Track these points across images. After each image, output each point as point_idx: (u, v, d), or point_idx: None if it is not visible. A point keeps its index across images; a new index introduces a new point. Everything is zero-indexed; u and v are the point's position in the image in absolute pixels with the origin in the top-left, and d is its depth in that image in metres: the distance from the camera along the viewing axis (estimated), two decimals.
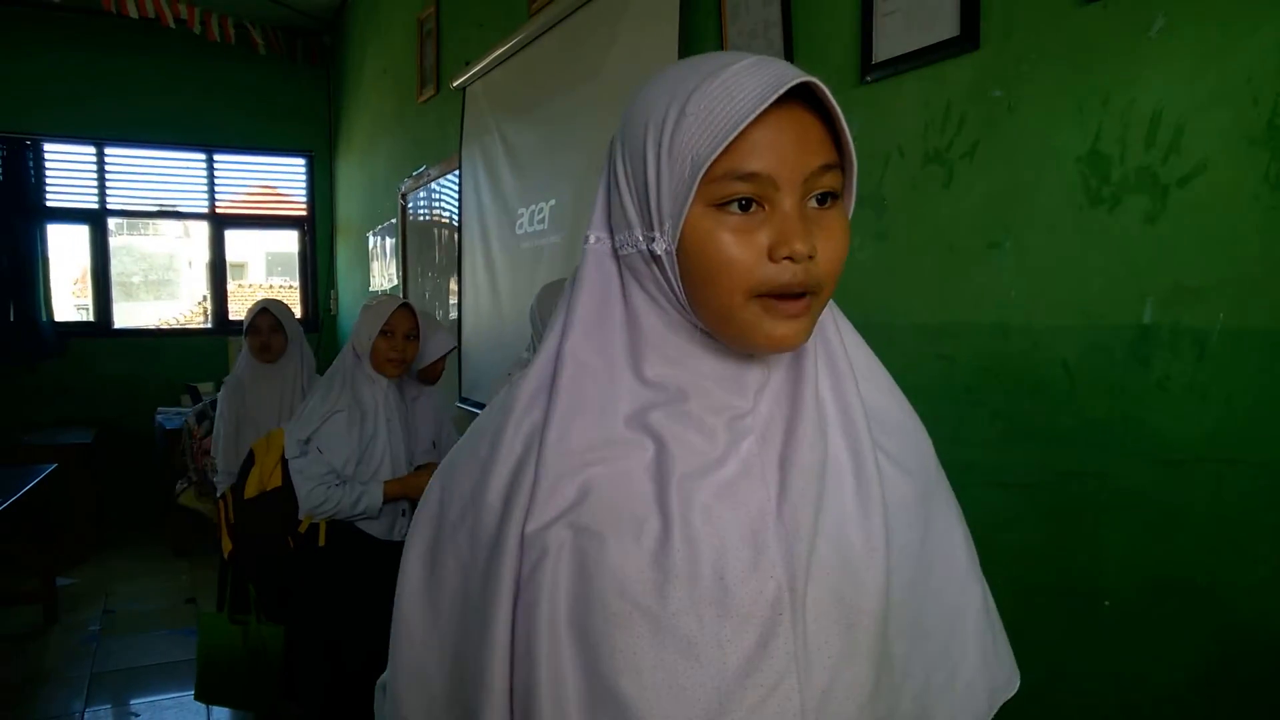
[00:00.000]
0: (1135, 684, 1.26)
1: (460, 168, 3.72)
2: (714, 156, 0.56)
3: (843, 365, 0.66)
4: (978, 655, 0.72)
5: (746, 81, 0.57)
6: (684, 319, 0.63)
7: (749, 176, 0.57)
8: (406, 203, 4.66)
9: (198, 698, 2.62)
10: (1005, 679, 0.75)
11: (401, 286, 4.74)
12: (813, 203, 0.60)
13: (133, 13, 4.82)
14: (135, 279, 6.28)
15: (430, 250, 4.35)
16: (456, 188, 3.81)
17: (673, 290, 0.62)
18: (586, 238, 0.66)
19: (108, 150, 5.88)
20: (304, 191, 6.52)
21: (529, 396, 0.65)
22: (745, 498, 0.61)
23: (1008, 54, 1.41)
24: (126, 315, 6.15)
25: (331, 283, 6.53)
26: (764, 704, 0.58)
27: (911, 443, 0.72)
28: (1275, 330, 1.09)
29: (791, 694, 0.59)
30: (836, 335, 0.68)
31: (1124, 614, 1.27)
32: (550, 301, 1.84)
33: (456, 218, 3.83)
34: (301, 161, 6.48)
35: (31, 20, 5.51)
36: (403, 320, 2.29)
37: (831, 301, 0.67)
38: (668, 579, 0.59)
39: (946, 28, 1.49)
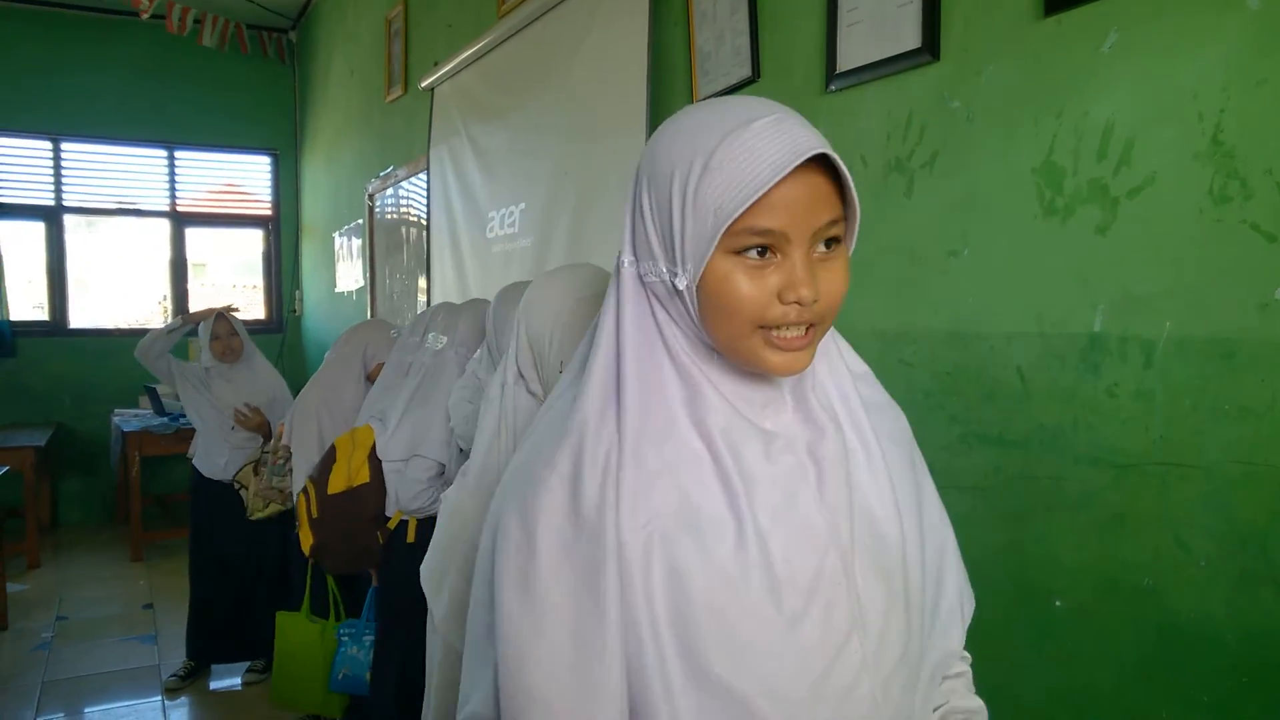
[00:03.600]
0: (1084, 678, 1.29)
1: (428, 169, 3.71)
2: (735, 216, 0.64)
3: (840, 366, 0.78)
4: (954, 585, 0.84)
5: (767, 145, 0.64)
6: (701, 340, 0.72)
7: (765, 232, 0.66)
8: (374, 203, 4.63)
9: (271, 699, 2.66)
10: (970, 604, 0.87)
11: (368, 287, 4.70)
12: (820, 248, 0.68)
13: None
14: (93, 277, 6.14)
15: (398, 252, 4.32)
16: (425, 189, 3.79)
17: (691, 318, 0.70)
18: (620, 260, 0.74)
19: (64, 145, 5.76)
20: (269, 190, 6.44)
21: (598, 414, 0.70)
22: (796, 490, 0.71)
23: (967, 65, 1.45)
24: (83, 314, 6.01)
25: (296, 283, 6.45)
26: (837, 661, 0.68)
27: (896, 421, 0.83)
28: (1217, 339, 1.13)
29: (856, 649, 0.69)
30: (830, 339, 0.78)
31: (1074, 612, 1.31)
32: (507, 308, 1.84)
33: (424, 219, 3.81)
34: (266, 160, 6.40)
35: None
36: None
37: None
38: (746, 571, 0.67)
39: (908, 39, 1.52)
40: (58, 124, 5.67)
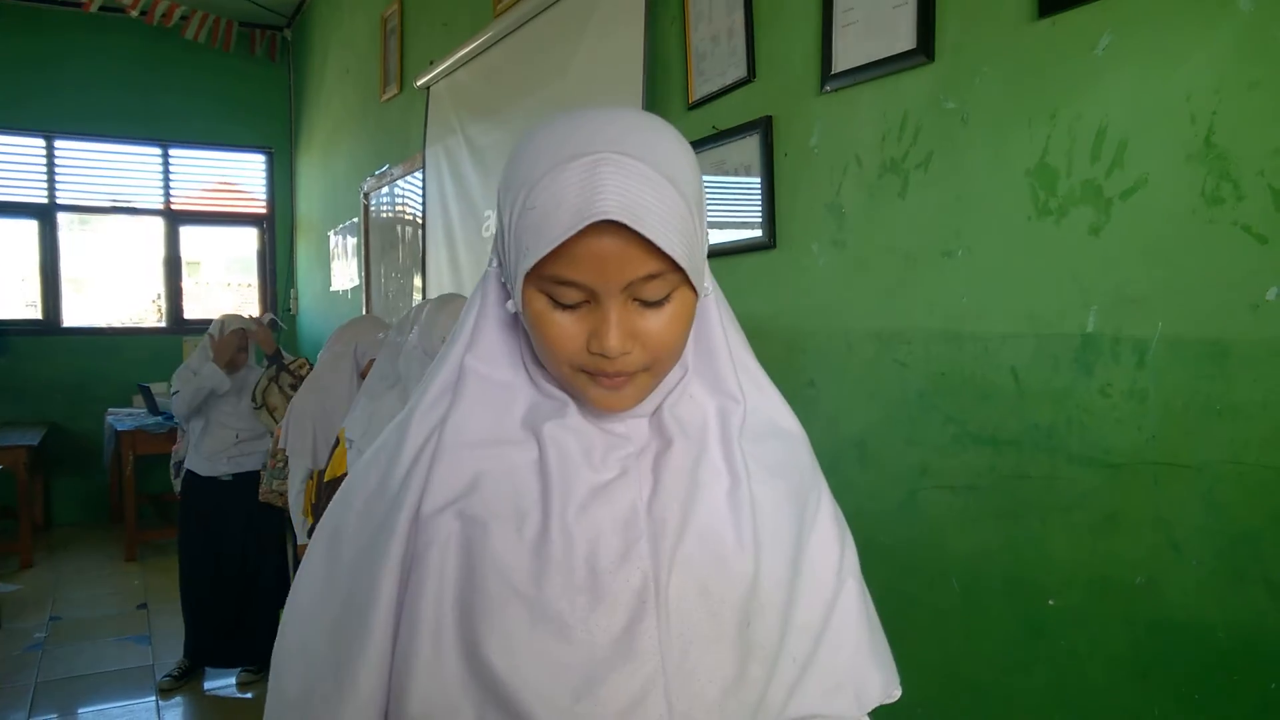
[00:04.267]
0: (1078, 677, 1.30)
1: (424, 168, 3.70)
2: (529, 266, 0.62)
3: (729, 381, 0.73)
4: (849, 656, 0.76)
5: (573, 194, 0.61)
6: None
7: (569, 283, 0.63)
8: (369, 202, 4.62)
9: None
10: (880, 684, 0.77)
11: (363, 286, 4.70)
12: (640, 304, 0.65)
13: None
14: (86, 276, 6.12)
15: (393, 250, 4.32)
16: (420, 188, 3.79)
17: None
18: (490, 260, 0.73)
19: (58, 143, 5.74)
20: (263, 188, 6.42)
21: (433, 398, 0.70)
22: (619, 496, 0.67)
23: (961, 67, 1.45)
24: (77, 313, 5.99)
25: (291, 281, 6.44)
26: (630, 681, 0.64)
27: (792, 449, 0.77)
28: (1209, 339, 1.14)
29: (656, 674, 0.64)
30: (724, 345, 0.73)
31: (1067, 611, 1.31)
32: (441, 316, 1.97)
33: (420, 218, 3.81)
34: (261, 158, 6.39)
35: None
36: None
37: (722, 303, 0.74)
38: (544, 567, 0.64)
39: (903, 40, 1.53)
40: (51, 121, 5.65)
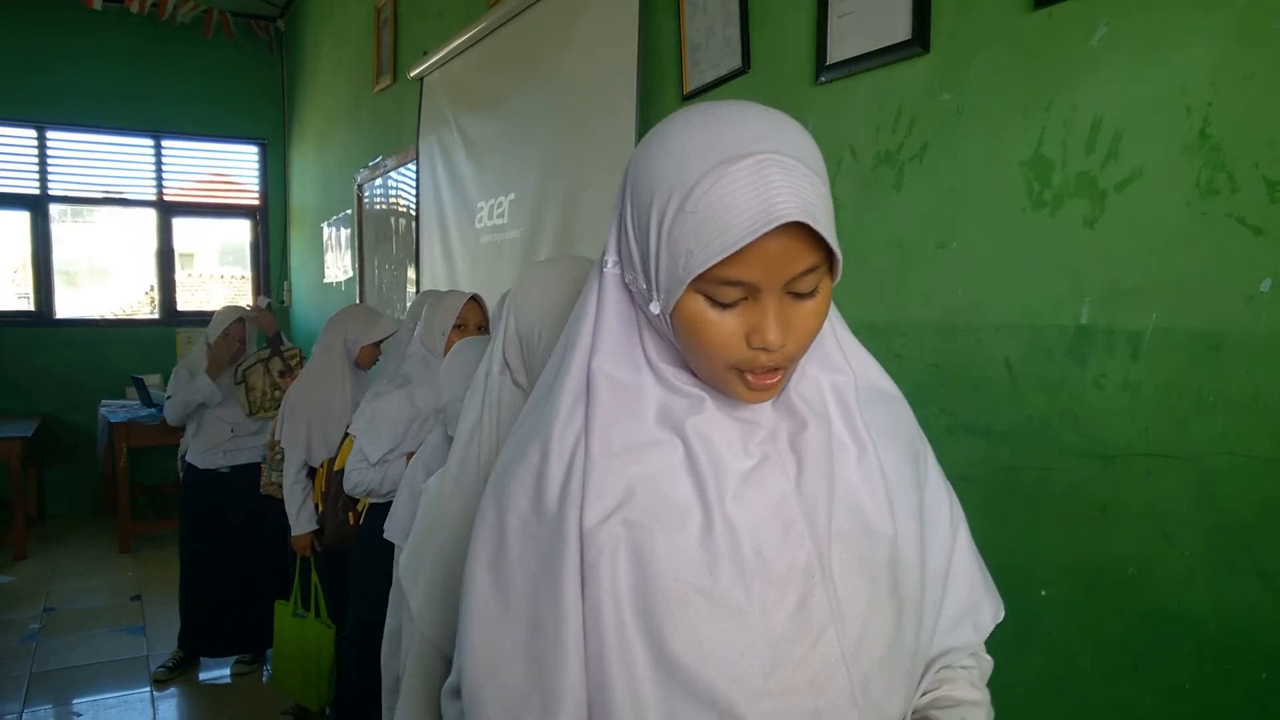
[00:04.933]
0: (1070, 667, 1.31)
1: (418, 159, 3.69)
2: (700, 270, 0.64)
3: (835, 355, 0.77)
4: (967, 591, 0.83)
5: (745, 199, 0.62)
6: (676, 350, 0.72)
7: (736, 282, 0.65)
8: (362, 193, 4.61)
9: (272, 683, 2.92)
10: (991, 611, 0.85)
11: (357, 278, 4.68)
12: (792, 297, 0.67)
13: None
14: (79, 267, 6.10)
15: (386, 242, 4.31)
16: (414, 179, 3.78)
17: (669, 336, 0.71)
18: (604, 260, 0.74)
19: (50, 134, 5.70)
20: (256, 180, 6.39)
21: (568, 409, 0.72)
22: (769, 482, 0.70)
23: (956, 58, 1.45)
24: (69, 305, 5.96)
25: (285, 273, 6.42)
26: (811, 654, 0.68)
27: (898, 411, 0.81)
28: (1203, 331, 1.14)
29: (832, 643, 0.69)
30: (829, 326, 0.76)
31: (1060, 602, 1.32)
32: (438, 314, 2.07)
33: (413, 209, 3.80)
34: (254, 149, 6.35)
35: None
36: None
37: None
38: (714, 559, 0.67)
39: (898, 31, 1.52)
40: (43, 112, 5.61)
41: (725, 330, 0.66)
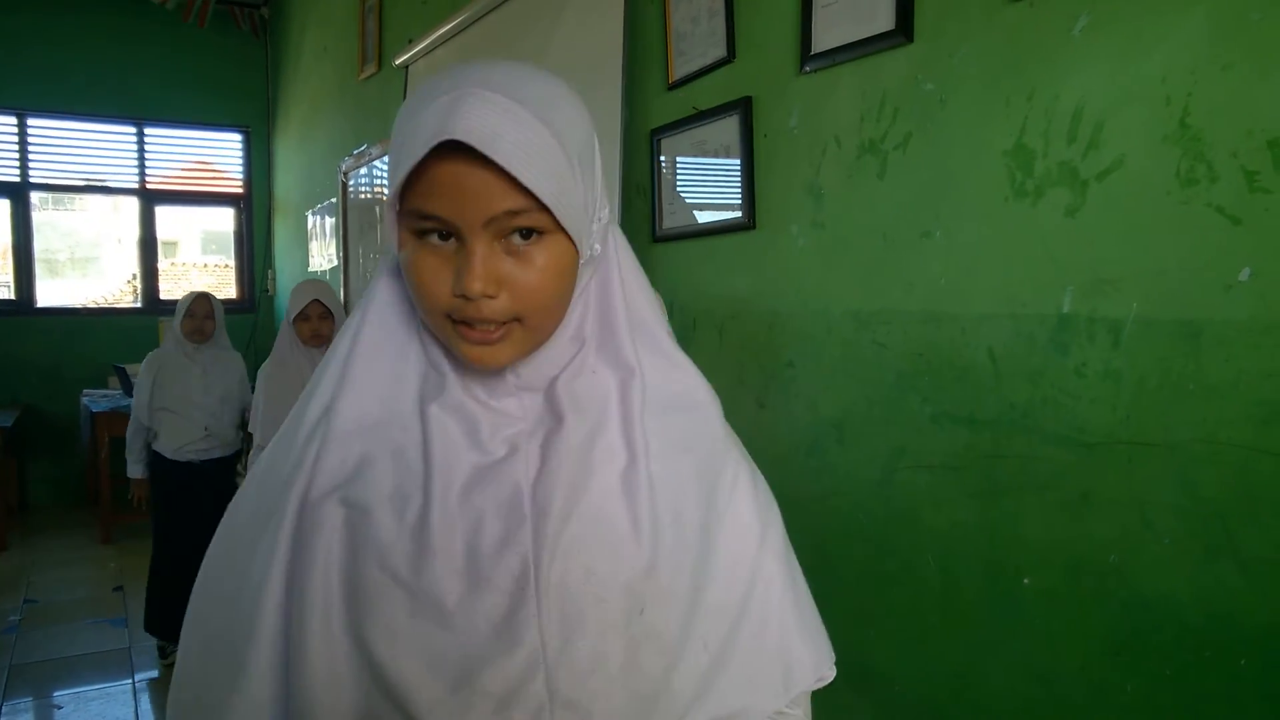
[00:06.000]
0: (1052, 655, 1.31)
1: None
2: (396, 198, 0.61)
3: (627, 354, 0.69)
4: (775, 639, 0.72)
5: (427, 125, 0.59)
6: None
7: (431, 217, 0.61)
8: (347, 181, 4.57)
9: None
10: (811, 665, 0.73)
11: (342, 267, 4.65)
12: (515, 238, 0.62)
13: None
14: (60, 256, 6.03)
15: (372, 231, 4.28)
16: None
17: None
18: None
19: (30, 121, 5.62)
20: (240, 168, 6.34)
21: (327, 382, 0.69)
22: (504, 478, 0.65)
23: (940, 48, 1.45)
24: (51, 293, 5.90)
25: (269, 262, 6.37)
26: (507, 669, 0.61)
27: (698, 422, 0.73)
28: (1183, 320, 1.14)
29: (536, 662, 0.62)
30: (622, 315, 0.70)
31: (1042, 590, 1.33)
32: None
33: None
34: (238, 137, 6.30)
35: None
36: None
37: (631, 272, 0.71)
38: (423, 553, 0.62)
39: (882, 20, 1.52)
40: (23, 98, 5.54)
41: (434, 273, 0.62)
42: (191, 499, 3.24)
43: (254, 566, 0.66)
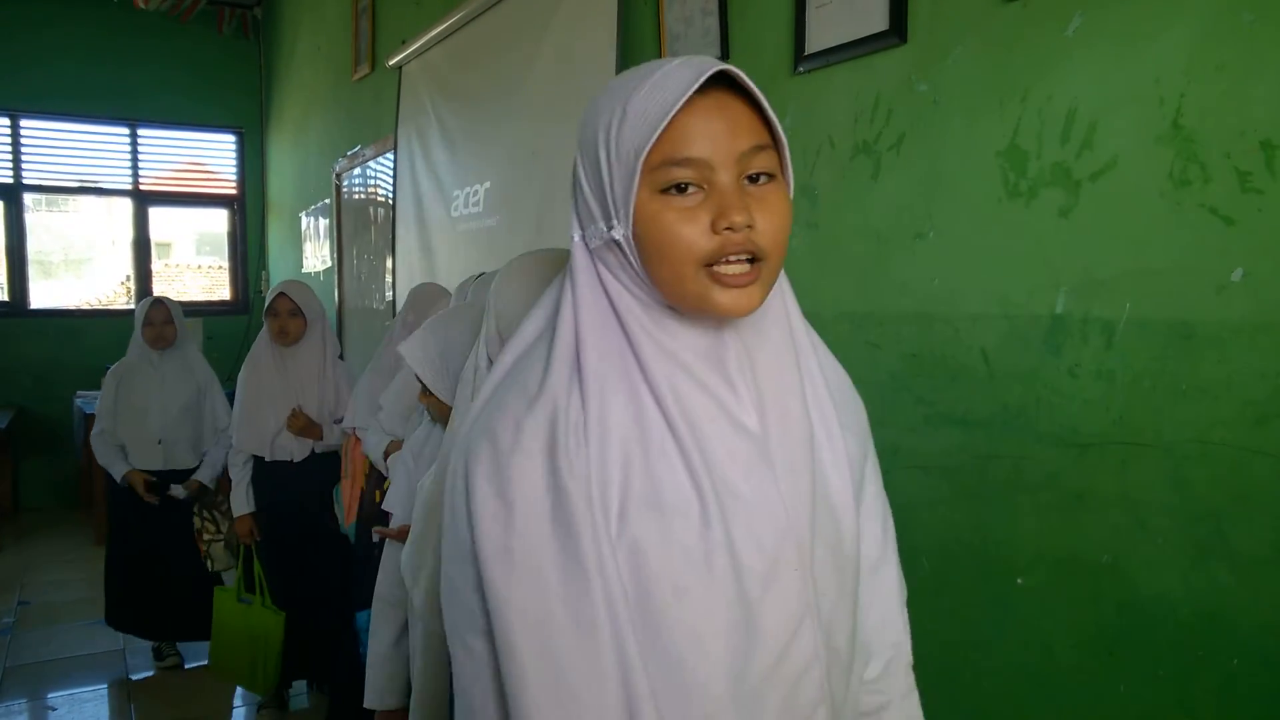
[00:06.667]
0: (1046, 654, 1.32)
1: (396, 148, 3.65)
2: (649, 145, 0.64)
3: (803, 341, 0.76)
4: (895, 579, 0.86)
5: (673, 79, 0.65)
6: (652, 298, 0.70)
7: (685, 161, 0.65)
8: (341, 182, 4.56)
9: (211, 668, 2.93)
10: (907, 655, 0.89)
11: (336, 268, 4.64)
12: (752, 185, 0.67)
13: None
14: (54, 257, 6.00)
15: (365, 231, 4.27)
16: (392, 168, 3.74)
17: (635, 271, 0.69)
18: (572, 236, 0.74)
19: (23, 122, 5.60)
20: (234, 169, 6.32)
21: (565, 388, 0.68)
22: (756, 473, 0.69)
23: (933, 48, 1.45)
24: (44, 295, 5.87)
25: (263, 264, 6.35)
26: (792, 647, 0.69)
27: (855, 407, 0.83)
28: (1176, 320, 1.15)
29: (809, 636, 0.69)
30: (797, 312, 0.78)
31: (1036, 590, 1.33)
32: (483, 290, 1.91)
33: (392, 199, 3.76)
34: (231, 138, 6.27)
35: None
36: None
37: (786, 282, 0.77)
38: (710, 552, 0.66)
39: (876, 21, 1.52)
40: (16, 100, 5.51)
41: (688, 223, 0.65)
42: (152, 512, 3.10)
43: (572, 593, 0.64)
